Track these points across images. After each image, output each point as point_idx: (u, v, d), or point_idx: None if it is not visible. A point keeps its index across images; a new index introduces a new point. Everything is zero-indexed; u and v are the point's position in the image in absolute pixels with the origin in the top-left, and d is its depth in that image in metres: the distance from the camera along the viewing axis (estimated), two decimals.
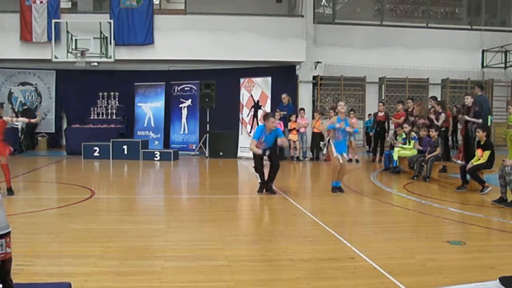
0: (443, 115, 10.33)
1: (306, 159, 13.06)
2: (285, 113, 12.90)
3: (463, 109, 10.19)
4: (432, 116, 10.39)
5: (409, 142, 10.18)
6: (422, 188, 8.24)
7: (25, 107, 16.16)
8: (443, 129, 10.19)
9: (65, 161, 13.00)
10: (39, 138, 16.56)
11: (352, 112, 12.61)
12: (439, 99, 12.32)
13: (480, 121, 9.25)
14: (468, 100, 9.75)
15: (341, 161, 7.46)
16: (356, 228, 5.45)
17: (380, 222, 5.73)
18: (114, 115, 15.48)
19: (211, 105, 13.71)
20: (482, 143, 7.63)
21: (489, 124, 10.09)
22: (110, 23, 14.68)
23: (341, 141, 7.63)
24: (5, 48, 14.78)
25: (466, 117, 9.68)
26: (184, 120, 15.02)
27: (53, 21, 14.47)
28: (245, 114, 13.66)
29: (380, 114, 12.74)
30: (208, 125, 13.87)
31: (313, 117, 13.64)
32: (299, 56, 15.86)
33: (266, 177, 7.48)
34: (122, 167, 11.57)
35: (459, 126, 12.14)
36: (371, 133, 13.59)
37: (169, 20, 15.45)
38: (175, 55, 15.47)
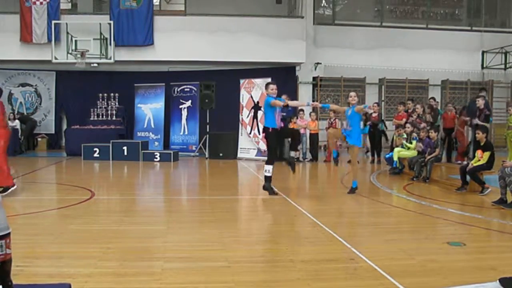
0: (427, 116, 10.47)
1: (306, 160, 13.07)
2: (284, 114, 12.86)
3: (464, 110, 10.22)
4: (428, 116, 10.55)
5: (411, 142, 10.20)
6: (422, 189, 8.23)
7: (21, 114, 16.01)
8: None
9: (65, 162, 13.00)
10: (39, 139, 16.57)
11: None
12: (438, 100, 12.35)
13: (488, 125, 9.23)
14: (480, 103, 9.71)
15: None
16: (356, 229, 5.45)
17: (380, 223, 5.72)
18: (114, 116, 15.49)
19: (211, 106, 13.72)
20: (482, 144, 7.64)
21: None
22: (110, 24, 14.71)
23: (350, 131, 7.55)
24: (5, 49, 14.82)
25: (478, 121, 9.55)
26: (184, 121, 15.02)
27: (53, 22, 14.51)
28: (245, 115, 13.66)
29: (374, 114, 12.71)
30: (208, 126, 13.88)
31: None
32: (299, 57, 15.89)
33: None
34: (122, 168, 11.57)
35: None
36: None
37: (169, 21, 15.48)
38: (175, 56, 15.51)
